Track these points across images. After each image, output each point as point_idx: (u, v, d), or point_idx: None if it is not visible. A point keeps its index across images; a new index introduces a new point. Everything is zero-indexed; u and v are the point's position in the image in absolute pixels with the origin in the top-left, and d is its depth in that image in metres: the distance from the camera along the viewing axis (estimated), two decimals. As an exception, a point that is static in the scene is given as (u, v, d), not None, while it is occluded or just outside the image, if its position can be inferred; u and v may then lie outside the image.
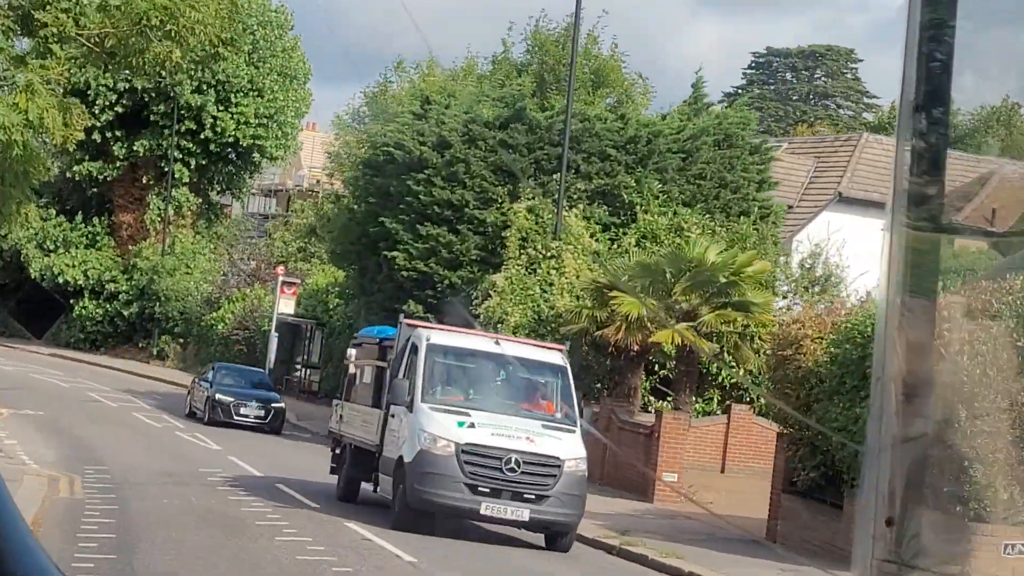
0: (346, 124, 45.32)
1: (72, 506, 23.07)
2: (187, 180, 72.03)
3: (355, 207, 44.19)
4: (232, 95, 70.88)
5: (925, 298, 4.71)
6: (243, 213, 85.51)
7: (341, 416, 29.01)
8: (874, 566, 4.50)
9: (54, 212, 73.67)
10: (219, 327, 67.13)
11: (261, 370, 50.28)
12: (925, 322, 4.68)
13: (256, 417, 43.74)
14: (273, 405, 44.35)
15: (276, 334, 58.11)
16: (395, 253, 40.44)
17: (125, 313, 71.89)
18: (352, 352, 30.02)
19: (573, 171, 39.23)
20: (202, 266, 71.88)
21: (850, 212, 43.29)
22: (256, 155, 72.76)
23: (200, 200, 74.23)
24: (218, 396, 44.03)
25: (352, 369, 29.62)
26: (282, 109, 72.23)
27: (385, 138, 41.31)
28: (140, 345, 72.09)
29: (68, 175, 74.06)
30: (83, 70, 71.55)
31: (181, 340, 70.60)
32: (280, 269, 59.66)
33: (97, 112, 70.93)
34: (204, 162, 72.12)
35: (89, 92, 70.61)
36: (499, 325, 37.29)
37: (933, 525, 4.53)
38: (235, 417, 43.39)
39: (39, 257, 72.80)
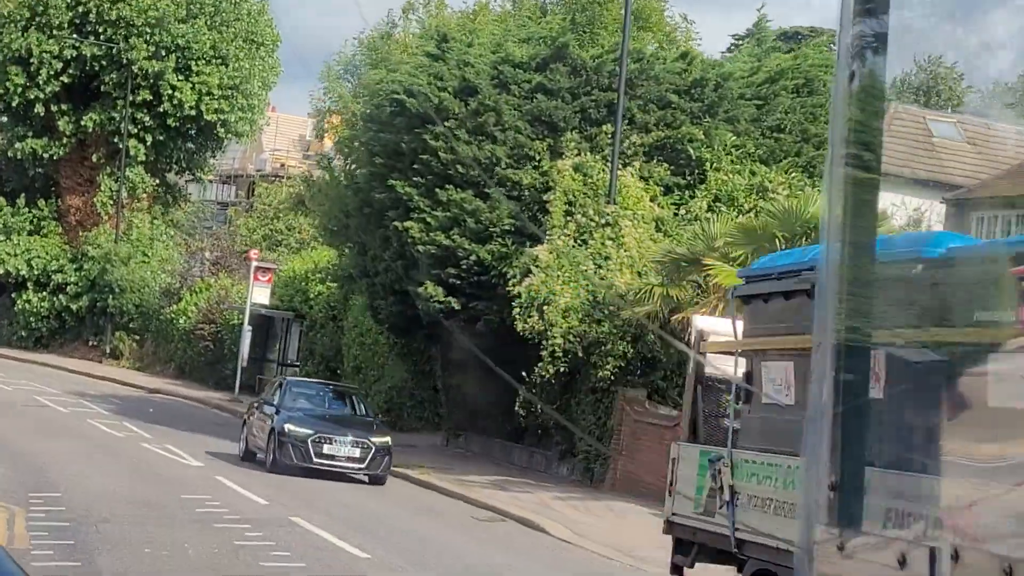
0: (337, 76, 38.14)
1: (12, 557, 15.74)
2: (142, 159, 64.48)
3: (354, 171, 36.88)
4: (193, 62, 63.37)
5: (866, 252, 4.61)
6: (201, 199, 77.96)
7: (721, 485, 13.97)
8: (819, 529, 4.36)
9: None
10: (181, 321, 59.66)
11: (354, 386, 37.48)
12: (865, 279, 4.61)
13: (349, 459, 30.06)
14: (373, 440, 30.22)
15: (249, 328, 50.81)
16: (408, 224, 33.23)
17: (74, 307, 64.28)
18: (704, 325, 16.11)
19: (627, 121, 32.13)
20: (160, 254, 64.37)
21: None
22: (220, 130, 65.27)
23: (157, 181, 66.67)
24: (288, 428, 30.17)
25: (714, 369, 15.18)
26: (248, 79, 64.77)
27: (393, 85, 34.05)
28: (91, 343, 64.44)
29: (8, 154, 66.41)
30: (24, 35, 64.32)
31: (137, 336, 63.06)
32: (254, 253, 52.30)
33: (41, 83, 63.40)
34: (162, 138, 64.59)
35: (31, 60, 63.00)
36: (544, 308, 30.19)
37: (877, 488, 4.66)
38: (316, 460, 29.76)
39: (-24, 246, 65.15)
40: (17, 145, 64.95)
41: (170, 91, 63.05)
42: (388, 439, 30.62)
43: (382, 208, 34.58)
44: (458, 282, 32.87)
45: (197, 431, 38.98)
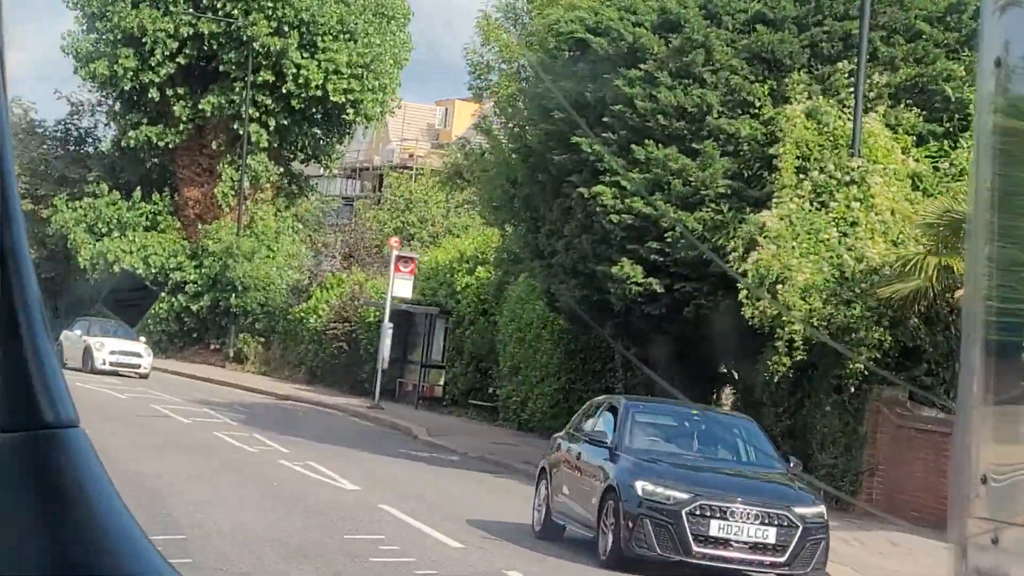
0: (496, 23, 32.45)
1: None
2: (265, 145, 59.13)
3: (523, 132, 31.01)
4: (318, 38, 57.92)
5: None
6: (325, 192, 72.57)
7: None
8: (971, 523, 4.28)
9: (106, 188, 60.94)
10: (311, 321, 54.20)
11: (748, 421, 20.59)
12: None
13: (757, 547, 17.29)
14: (799, 513, 17.47)
15: (390, 325, 45.14)
16: (598, 189, 27.30)
17: (194, 307, 59.05)
18: None
19: (867, 57, 25.96)
20: (286, 248, 58.99)
21: None
22: (349, 112, 59.77)
23: (281, 170, 61.28)
24: (645, 487, 17.45)
25: None
26: (379, 56, 59.24)
27: (573, 25, 28.13)
28: (213, 346, 59.19)
29: (122, 143, 61.42)
30: (136, 12, 59.25)
31: (263, 338, 57.69)
32: (394, 240, 46.61)
33: (155, 65, 58.29)
34: (285, 122, 59.21)
35: (144, 40, 57.88)
36: (779, 287, 24.13)
37: None
38: (696, 548, 17.12)
39: (89, 243, 60.16)
40: (130, 133, 59.98)
41: (294, 70, 57.67)
42: (822, 509, 17.88)
43: (561, 173, 28.66)
44: (660, 259, 26.87)
45: (340, 443, 33.39)
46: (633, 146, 26.91)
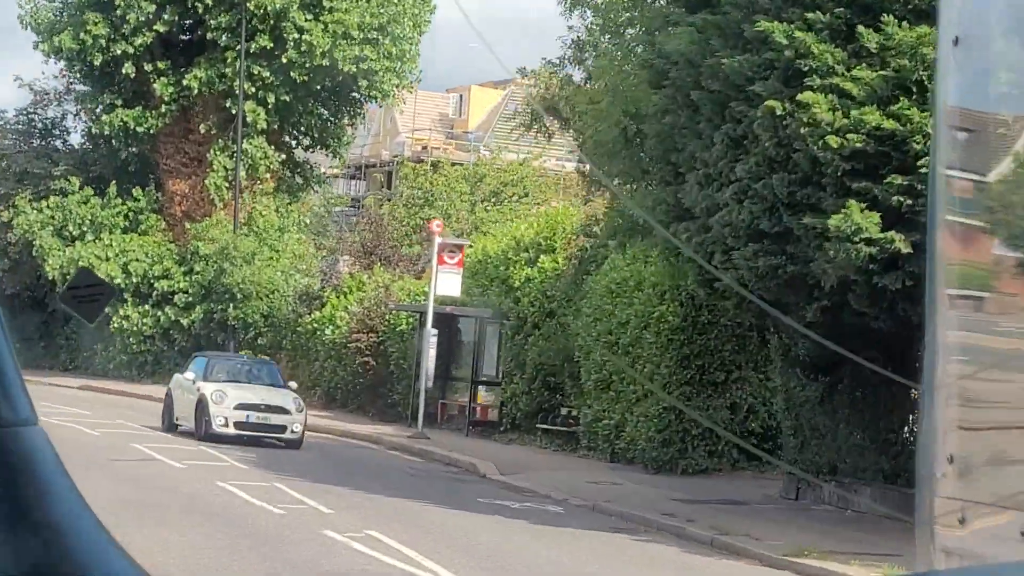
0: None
1: None
2: (263, 127, 49.61)
3: (654, 38, 21.44)
4: (324, -4, 48.56)
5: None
6: (329, 190, 62.95)
7: None
8: (940, 503, 4.28)
9: (76, 183, 51.38)
10: (327, 333, 44.69)
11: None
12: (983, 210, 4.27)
13: None
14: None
15: (434, 331, 35.65)
16: (806, 97, 17.85)
17: (184, 321, 49.44)
18: None
19: None
20: (292, 249, 49.48)
21: None
22: (361, 85, 50.27)
23: (283, 157, 51.74)
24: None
25: None
26: (396, 18, 49.78)
27: None
28: (209, 366, 49.54)
29: (93, 130, 51.94)
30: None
31: (268, 356, 48.07)
32: (436, 224, 37.06)
33: (128, 33, 48.84)
34: (287, 98, 49.66)
35: (117, 3, 48.40)
36: None
37: (997, 459, 4.22)
38: None
39: (58, 249, 50.60)
40: (103, 118, 50.49)
41: (296, 35, 48.18)
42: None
43: (730, 85, 19.13)
44: (908, 202, 17.38)
45: (395, 493, 23.91)
46: (860, 28, 17.40)
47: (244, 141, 49.06)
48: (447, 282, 35.66)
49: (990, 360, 4.32)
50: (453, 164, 58.69)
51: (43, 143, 55.77)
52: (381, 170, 69.91)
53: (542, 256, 36.59)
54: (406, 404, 40.99)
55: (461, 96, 72.29)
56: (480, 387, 38.83)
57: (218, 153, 49.96)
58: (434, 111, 71.61)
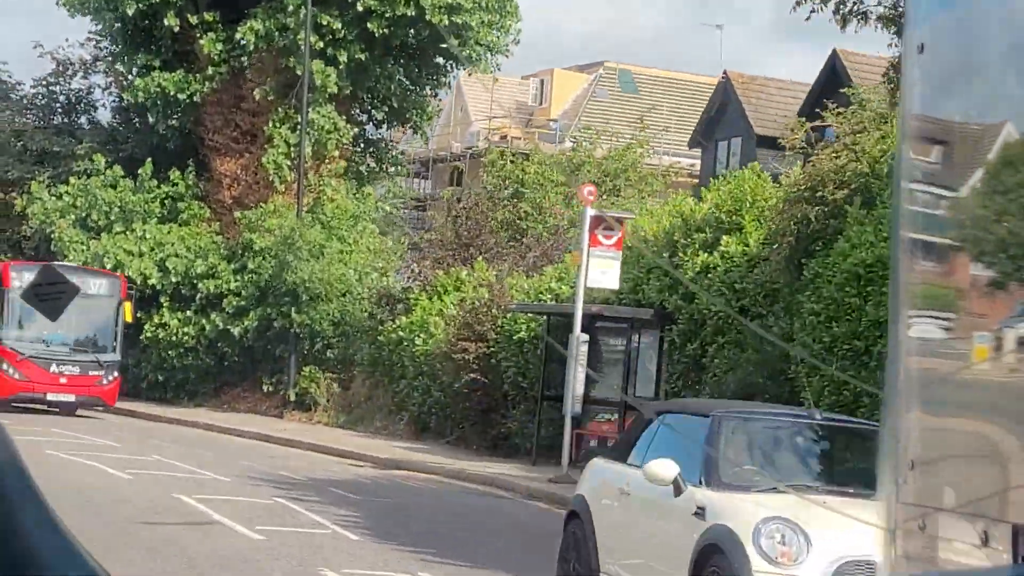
0: None
1: None
2: (334, 90, 40.34)
3: None
4: (409, -73, 39.30)
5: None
6: (393, 187, 53.55)
7: None
8: (901, 508, 4.31)
9: (103, 163, 42.24)
10: (417, 343, 35.36)
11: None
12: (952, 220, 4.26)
13: None
14: None
15: (585, 337, 26.37)
16: None
17: (235, 331, 40.03)
18: None
19: None
20: (368, 241, 40.24)
21: None
22: (453, 44, 41.04)
23: (356, 130, 42.52)
24: None
25: None
26: (494, -42, 40.62)
27: None
28: (266, 386, 40.09)
29: (125, 98, 42.83)
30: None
31: (338, 372, 38.78)
32: (588, 190, 27.51)
33: (169, -21, 39.77)
34: (362, 57, 40.44)
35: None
36: None
37: (962, 467, 4.25)
38: None
39: (80, 242, 41.45)
40: (137, 83, 41.29)
41: (374, -22, 39.03)
42: None
43: None
44: None
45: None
46: None
47: (310, 109, 39.81)
48: (602, 270, 26.31)
49: (953, 368, 4.24)
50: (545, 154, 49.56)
51: (66, 120, 46.72)
52: (447, 167, 60.67)
53: (724, 238, 27.20)
54: (525, 434, 31.74)
55: (543, 81, 63.06)
56: (633, 412, 29.31)
57: (277, 125, 40.71)
58: (509, 99, 62.37)
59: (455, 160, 58.46)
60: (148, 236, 41.10)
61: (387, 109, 42.81)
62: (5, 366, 35.15)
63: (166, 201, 42.10)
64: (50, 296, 8.43)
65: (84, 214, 41.88)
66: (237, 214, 40.42)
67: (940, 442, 4.30)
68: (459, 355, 33.48)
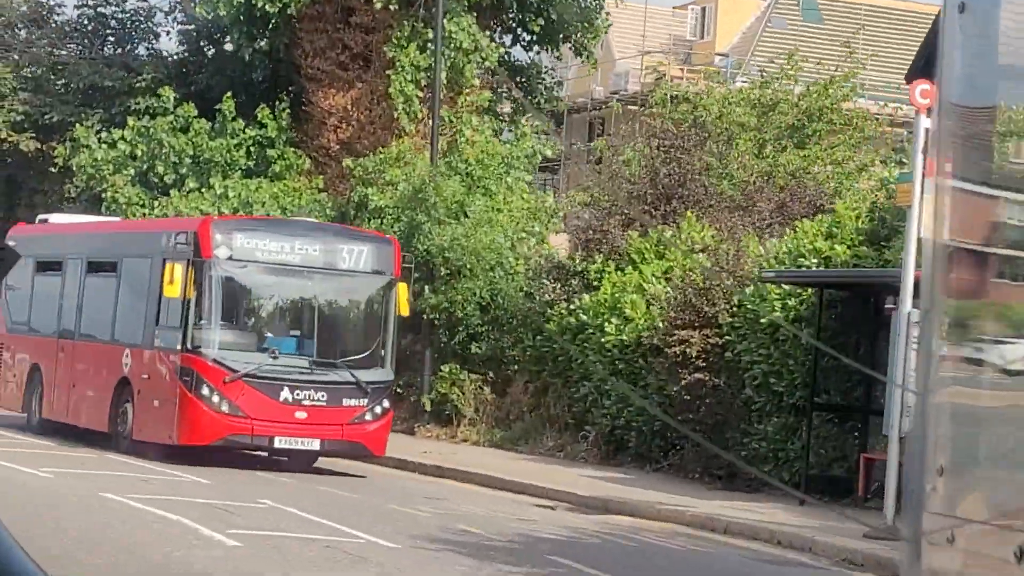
0: None
1: None
2: (473, -2, 30.29)
3: None
4: None
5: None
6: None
7: None
8: (927, 519, 4.08)
9: (170, 97, 32.38)
10: (605, 331, 25.18)
11: None
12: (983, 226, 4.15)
13: None
14: None
15: (916, 315, 16.12)
16: None
17: (347, 317, 29.88)
18: None
19: None
20: (522, 200, 30.12)
21: None
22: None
23: (499, 53, 32.47)
24: None
25: None
26: None
27: None
28: (398, 388, 29.98)
29: (197, 16, 33.04)
30: None
31: (491, 373, 28.51)
32: (922, 86, 17.25)
33: None
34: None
35: None
36: None
37: (990, 475, 3.97)
38: None
39: (141, 203, 31.77)
40: (213, -4, 31.42)
41: None
42: None
43: None
44: None
45: None
46: None
47: (444, 20, 29.74)
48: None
49: (986, 372, 3.96)
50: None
51: (118, 51, 36.95)
52: (582, 119, 50.61)
53: None
54: (780, 459, 21.75)
55: (704, 10, 52.71)
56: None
57: (402, 43, 30.65)
58: (662, 33, 52.15)
59: (598, 107, 48.25)
60: (231, 194, 31.23)
61: (542, 22, 32.53)
62: (205, 390, 21.58)
63: (253, 148, 32.19)
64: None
65: (145, 166, 32.08)
66: (347, 162, 30.35)
67: (973, 446, 3.92)
68: (676, 347, 23.33)
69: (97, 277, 24.82)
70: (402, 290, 22.76)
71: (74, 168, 32.54)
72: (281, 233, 22.65)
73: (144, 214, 31.64)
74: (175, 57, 35.44)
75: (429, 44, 30.33)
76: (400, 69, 30.30)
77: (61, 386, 24.96)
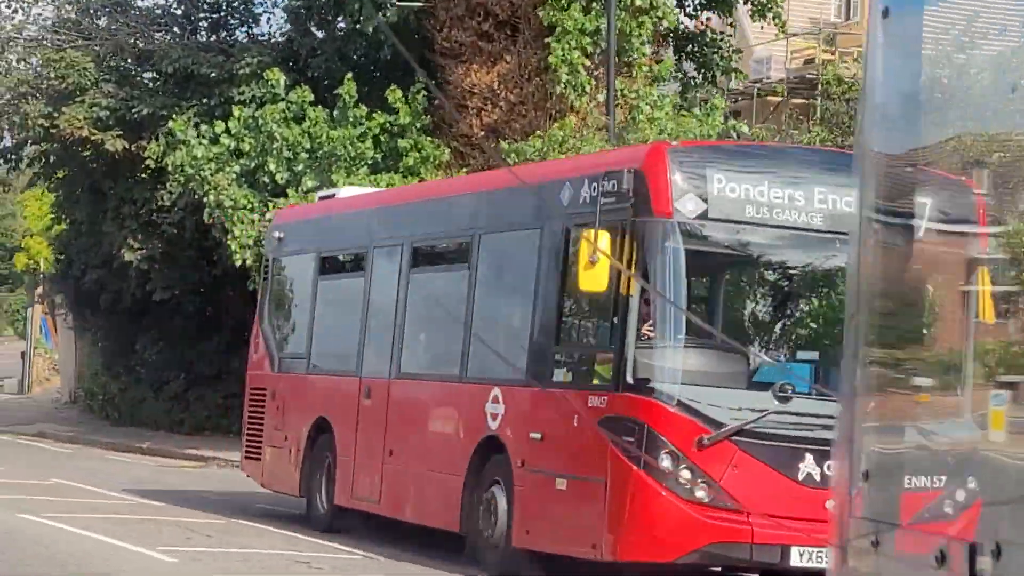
0: None
1: None
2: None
3: None
4: None
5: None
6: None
7: None
8: (853, 523, 4.07)
9: (281, 81, 27.23)
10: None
11: None
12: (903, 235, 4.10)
13: None
14: None
15: None
16: None
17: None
18: None
19: None
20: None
21: None
22: None
23: (676, 14, 27.23)
24: None
25: None
26: None
27: None
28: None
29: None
30: None
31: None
32: None
33: None
34: None
35: None
36: None
37: (918, 480, 3.95)
38: None
39: (249, 206, 26.67)
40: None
41: None
42: None
43: None
44: None
45: None
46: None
47: (616, -28, 24.43)
48: None
49: (912, 371, 3.90)
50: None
51: (212, 38, 31.96)
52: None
53: None
54: None
55: (850, -10, 47.52)
56: None
57: (562, 5, 25.32)
58: (801, 16, 46.90)
59: (735, 97, 42.97)
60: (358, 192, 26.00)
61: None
62: (666, 462, 12.20)
63: (381, 137, 27.00)
64: None
65: (254, 163, 26.95)
66: (504, 146, 25.03)
67: (898, 452, 3.86)
68: None
69: (430, 272, 16.16)
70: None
71: (169, 168, 27.44)
72: (787, 170, 13.06)
73: (253, 220, 26.51)
74: (281, 38, 30.31)
75: (594, 4, 25.09)
76: (560, 37, 25.00)
77: (368, 454, 15.98)
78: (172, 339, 32.69)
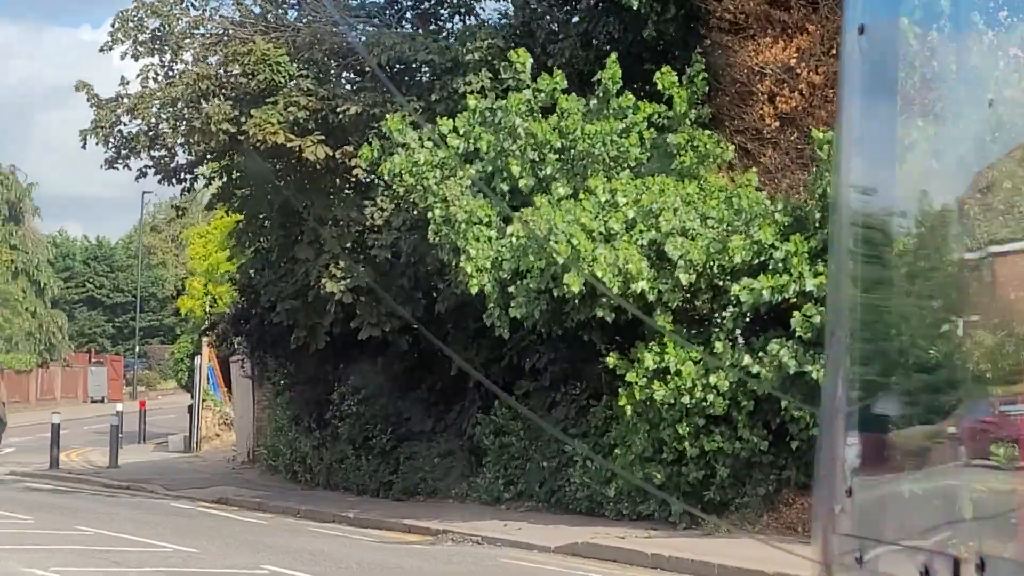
0: None
1: None
2: None
3: None
4: None
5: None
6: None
7: None
8: (836, 541, 4.03)
9: (527, 64, 22.07)
10: None
11: None
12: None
13: None
14: None
15: None
16: None
17: (816, 374, 19.25)
18: None
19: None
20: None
21: None
22: None
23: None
24: None
25: None
26: None
27: None
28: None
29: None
30: None
31: None
32: None
33: None
34: None
35: None
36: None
37: (900, 495, 3.91)
38: None
39: (486, 221, 21.45)
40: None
41: None
42: None
43: None
44: None
45: None
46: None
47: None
48: None
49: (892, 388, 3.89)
50: None
51: (417, 30, 27.02)
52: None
53: None
54: None
55: None
56: None
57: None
58: None
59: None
60: (622, 200, 20.76)
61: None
62: None
63: (646, 133, 21.77)
64: None
65: (491, 168, 21.85)
66: (815, 133, 19.67)
67: (881, 468, 3.92)
68: None
69: None
70: None
71: (385, 176, 22.42)
72: None
73: (491, 238, 21.39)
74: (520, 15, 25.20)
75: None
76: None
77: None
78: (378, 386, 27.64)
